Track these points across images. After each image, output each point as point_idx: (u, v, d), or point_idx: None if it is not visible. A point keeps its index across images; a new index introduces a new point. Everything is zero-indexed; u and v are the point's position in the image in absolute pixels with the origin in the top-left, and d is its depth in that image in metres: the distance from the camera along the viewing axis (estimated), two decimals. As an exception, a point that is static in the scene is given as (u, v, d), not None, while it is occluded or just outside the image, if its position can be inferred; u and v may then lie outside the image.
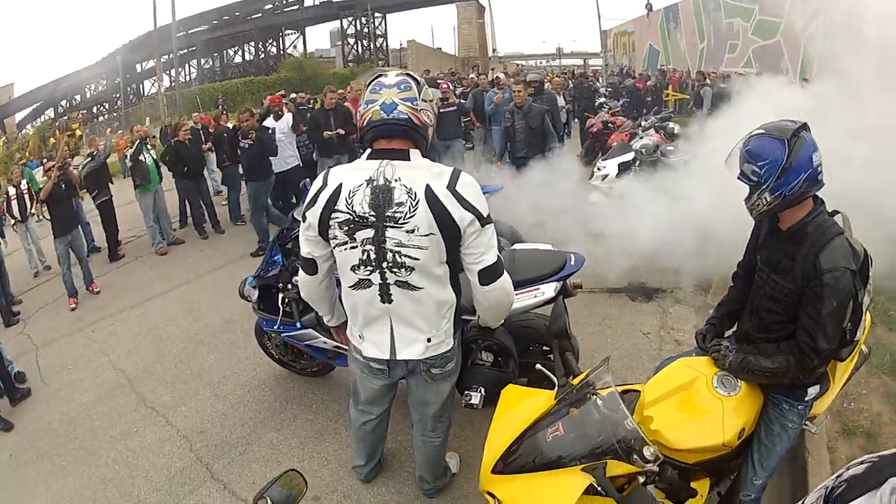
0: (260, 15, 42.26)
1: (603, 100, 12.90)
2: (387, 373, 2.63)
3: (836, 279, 1.99)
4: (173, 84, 34.75)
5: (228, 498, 3.45)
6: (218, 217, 9.44)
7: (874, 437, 3.46)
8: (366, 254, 2.28)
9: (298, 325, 3.59)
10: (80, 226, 7.58)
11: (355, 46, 42.22)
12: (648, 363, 4.17)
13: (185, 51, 40.12)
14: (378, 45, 42.21)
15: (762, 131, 2.15)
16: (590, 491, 1.98)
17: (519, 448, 2.14)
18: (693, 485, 2.31)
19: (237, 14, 41.67)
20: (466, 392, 3.19)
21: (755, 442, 2.40)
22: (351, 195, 2.23)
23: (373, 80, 2.37)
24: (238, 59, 43.28)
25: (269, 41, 42.88)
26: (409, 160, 2.26)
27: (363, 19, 41.52)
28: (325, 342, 3.60)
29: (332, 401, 4.19)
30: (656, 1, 27.76)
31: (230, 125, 9.71)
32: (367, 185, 2.22)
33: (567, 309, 2.69)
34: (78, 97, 40.05)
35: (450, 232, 2.22)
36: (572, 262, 3.48)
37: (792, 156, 2.03)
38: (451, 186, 2.21)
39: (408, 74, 2.35)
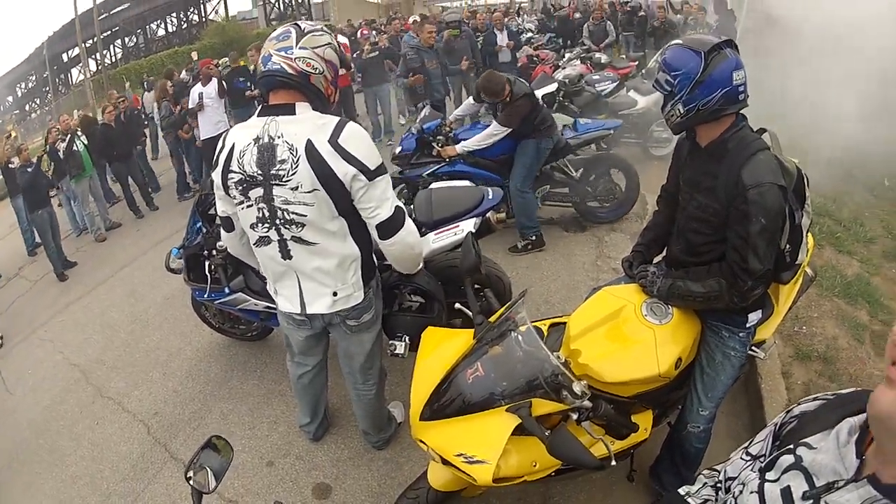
0: (180, -16, 40.67)
1: (529, 35, 12.68)
2: (308, 324, 2.63)
3: (762, 195, 1.87)
4: (100, 68, 33.76)
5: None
6: (151, 194, 9.40)
7: (831, 362, 3.43)
8: (261, 211, 2.26)
9: (227, 290, 3.50)
10: None
11: (277, 4, 40.75)
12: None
13: (109, 32, 38.56)
14: (300, 0, 41.12)
15: (681, 42, 2.03)
16: (521, 431, 1.90)
17: (443, 393, 2.04)
18: (634, 418, 2.23)
19: (157, -14, 40.11)
20: (391, 342, 3.14)
21: (697, 372, 2.32)
22: (241, 155, 2.20)
23: None
24: (161, 32, 41.62)
25: (191, 10, 41.19)
26: (294, 114, 2.19)
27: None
28: (255, 304, 3.52)
29: (274, 363, 4.19)
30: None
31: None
32: (255, 143, 2.18)
33: (478, 246, 2.56)
34: (10, 98, 38.83)
35: (335, 187, 2.17)
36: (490, 197, 3.47)
37: (708, 69, 1.90)
38: (334, 140, 2.14)
39: (294, 24, 2.26)
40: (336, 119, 2.20)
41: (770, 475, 1.02)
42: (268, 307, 3.47)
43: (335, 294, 2.44)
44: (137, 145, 9.61)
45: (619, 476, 2.74)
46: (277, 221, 2.25)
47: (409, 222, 2.38)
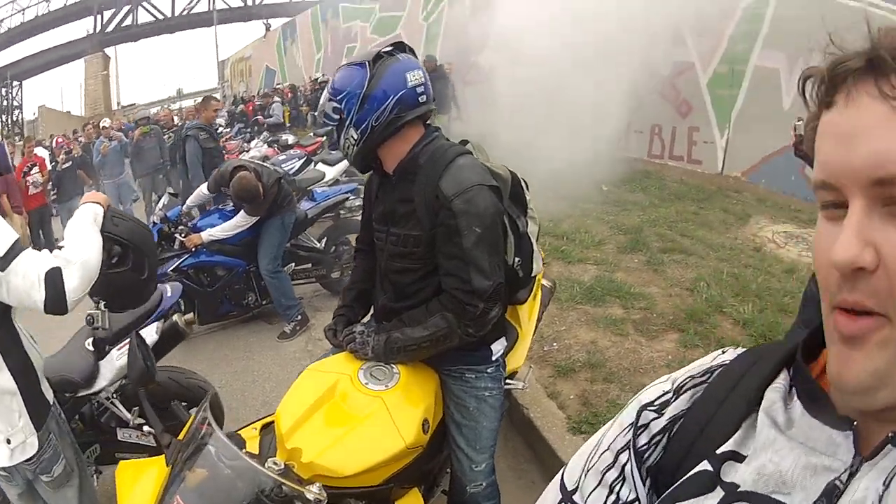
0: None
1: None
2: (11, 478, 2.03)
3: (469, 201, 1.64)
4: None
5: None
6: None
7: (600, 365, 3.39)
8: None
9: None
10: None
11: (-10, 124, 38.02)
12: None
13: None
14: (15, 119, 38.31)
15: (345, 62, 1.81)
16: None
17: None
18: (399, 503, 1.88)
19: None
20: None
21: (453, 427, 1.98)
22: None
23: None
24: None
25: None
26: None
27: (3, 90, 37.27)
28: None
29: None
30: (277, 22, 27.92)
31: None
32: None
33: (149, 352, 2.08)
34: None
35: None
36: (169, 294, 3.05)
37: (376, 78, 1.68)
38: None
39: None
40: None
41: None
42: None
43: (9, 442, 1.85)
44: None
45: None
46: None
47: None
